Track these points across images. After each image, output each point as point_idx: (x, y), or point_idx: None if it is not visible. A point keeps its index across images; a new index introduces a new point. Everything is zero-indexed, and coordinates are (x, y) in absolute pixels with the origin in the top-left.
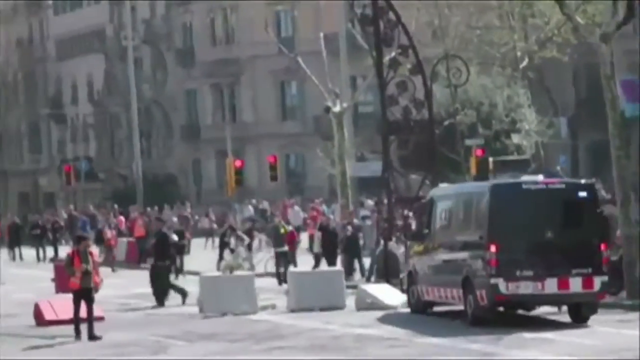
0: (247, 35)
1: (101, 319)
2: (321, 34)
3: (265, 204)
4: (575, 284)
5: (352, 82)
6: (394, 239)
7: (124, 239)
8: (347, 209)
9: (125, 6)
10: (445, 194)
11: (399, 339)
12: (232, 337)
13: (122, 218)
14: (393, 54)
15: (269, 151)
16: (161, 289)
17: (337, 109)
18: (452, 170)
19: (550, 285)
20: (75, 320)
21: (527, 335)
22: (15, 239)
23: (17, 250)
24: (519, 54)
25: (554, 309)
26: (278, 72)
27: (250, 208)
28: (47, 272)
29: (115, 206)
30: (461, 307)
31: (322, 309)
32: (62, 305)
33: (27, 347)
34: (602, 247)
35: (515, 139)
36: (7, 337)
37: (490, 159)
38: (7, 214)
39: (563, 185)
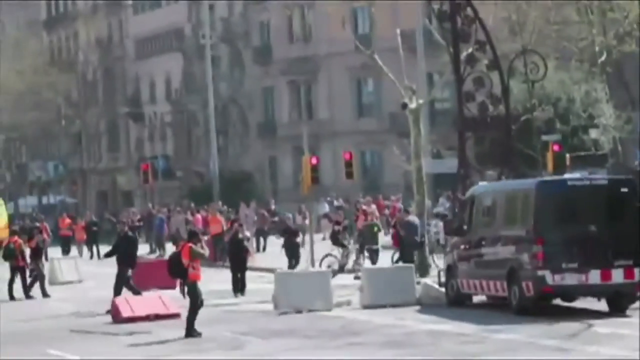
0: (324, 32)
1: (177, 315)
2: (398, 31)
3: (341, 202)
4: (617, 275)
5: (429, 79)
6: None
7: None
8: (423, 205)
9: (203, 5)
10: (487, 191)
11: (472, 334)
12: (307, 334)
13: (199, 216)
14: (470, 49)
15: (345, 148)
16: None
17: (413, 105)
18: (529, 166)
19: (594, 277)
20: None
21: (601, 330)
22: (92, 236)
23: (94, 247)
24: (597, 48)
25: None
26: (355, 69)
27: (326, 205)
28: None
29: (192, 204)
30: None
31: (394, 305)
32: (139, 302)
33: (104, 343)
34: None
35: (593, 134)
36: (85, 334)
37: (567, 155)
38: (86, 212)
39: (605, 182)
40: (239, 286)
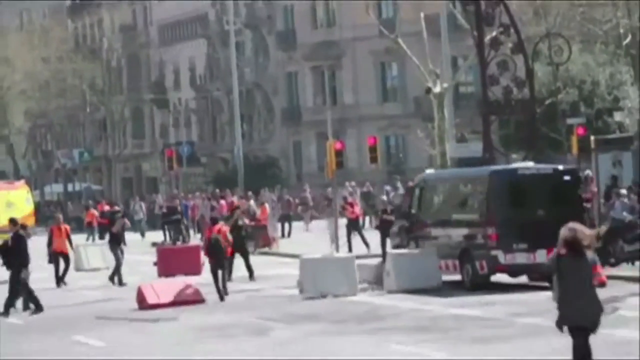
0: (348, 17)
1: (202, 301)
2: (422, 15)
3: (368, 186)
4: None
5: (453, 63)
6: None
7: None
8: None
9: None
10: (436, 178)
11: (500, 319)
12: (332, 319)
13: (223, 202)
14: (494, 33)
15: (369, 133)
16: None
17: (437, 89)
18: (553, 149)
19: (541, 256)
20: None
21: (629, 314)
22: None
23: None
24: (622, 30)
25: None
26: (378, 54)
27: (349, 189)
28: (150, 256)
29: (217, 190)
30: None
31: (418, 291)
32: (165, 289)
33: (130, 330)
34: (582, 221)
35: (618, 117)
36: (111, 320)
37: (592, 138)
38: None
39: (551, 171)
40: (231, 272)
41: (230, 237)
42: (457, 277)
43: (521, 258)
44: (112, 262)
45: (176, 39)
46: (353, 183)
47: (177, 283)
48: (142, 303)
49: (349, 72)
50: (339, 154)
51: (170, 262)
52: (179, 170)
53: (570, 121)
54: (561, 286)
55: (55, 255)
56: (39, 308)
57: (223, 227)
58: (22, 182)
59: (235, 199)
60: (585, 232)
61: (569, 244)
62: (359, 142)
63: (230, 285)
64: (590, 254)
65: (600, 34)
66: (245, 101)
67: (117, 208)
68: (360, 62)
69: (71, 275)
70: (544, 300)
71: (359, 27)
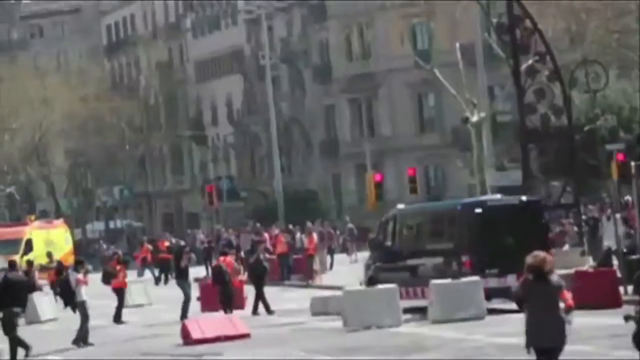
0: (383, 49)
1: (247, 336)
2: (457, 45)
3: None
4: None
5: (490, 92)
6: None
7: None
8: None
9: (262, 26)
10: (409, 212)
11: None
12: (377, 351)
13: (266, 235)
14: (530, 61)
15: (408, 164)
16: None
17: (475, 119)
18: (593, 176)
19: (511, 280)
20: None
21: None
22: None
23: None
24: None
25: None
26: (415, 85)
27: None
28: (193, 291)
29: (257, 224)
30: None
31: (463, 320)
32: (209, 324)
33: None
34: (548, 248)
35: None
36: (156, 356)
37: (632, 163)
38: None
39: (517, 202)
40: (257, 307)
41: (237, 267)
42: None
43: (493, 282)
44: (154, 299)
45: (213, 75)
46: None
47: (222, 318)
48: (187, 338)
49: (386, 104)
50: (378, 185)
51: (213, 297)
52: (219, 205)
53: (609, 147)
54: (528, 309)
55: (117, 291)
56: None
57: (229, 258)
58: (61, 221)
59: (277, 232)
60: (547, 259)
61: (533, 269)
62: (398, 173)
63: (273, 319)
64: (556, 279)
65: (637, 59)
66: (283, 135)
67: (182, 243)
68: (397, 93)
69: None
70: (588, 327)
71: (394, 59)
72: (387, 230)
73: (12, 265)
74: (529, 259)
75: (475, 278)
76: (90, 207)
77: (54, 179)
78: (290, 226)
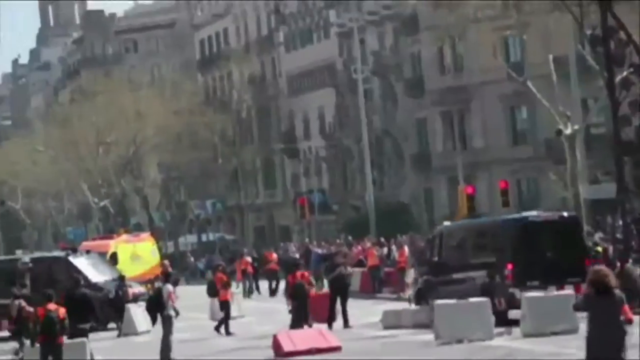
0: (475, 61)
1: (338, 349)
2: (550, 57)
3: None
4: (569, 289)
5: (583, 104)
6: (630, 260)
7: (357, 269)
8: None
9: (354, 39)
10: (453, 229)
11: None
12: None
13: (360, 248)
14: (625, 73)
15: (501, 176)
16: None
17: (568, 131)
18: None
19: (551, 291)
20: None
21: None
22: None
23: (254, 283)
24: None
25: None
26: (508, 97)
27: None
28: (284, 304)
29: (349, 237)
30: None
31: (555, 333)
32: (300, 337)
33: None
34: (586, 261)
35: None
36: None
37: None
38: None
39: (556, 217)
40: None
41: (313, 281)
42: None
43: (534, 294)
44: (245, 311)
45: (305, 89)
46: None
47: (313, 330)
48: (279, 351)
49: (478, 116)
50: (470, 198)
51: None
52: (311, 218)
53: None
54: (589, 323)
55: (223, 304)
56: None
57: (305, 272)
58: (148, 234)
59: (369, 246)
60: (609, 274)
61: (595, 284)
62: (490, 186)
63: (363, 332)
64: (618, 293)
65: None
66: (375, 148)
67: (297, 256)
68: (490, 105)
69: (205, 324)
70: None
71: (487, 71)
72: (434, 246)
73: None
74: (591, 275)
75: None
76: (183, 220)
77: (148, 192)
78: (382, 239)
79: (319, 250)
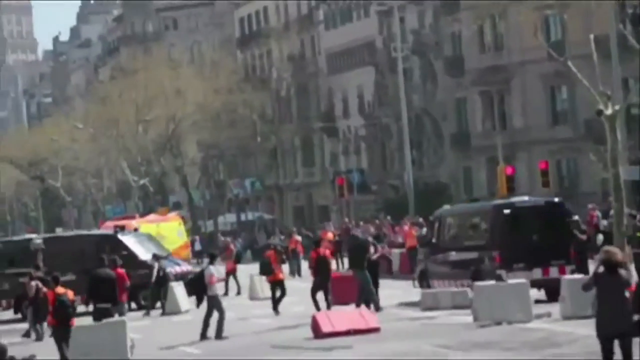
0: (516, 41)
1: (377, 330)
2: (591, 37)
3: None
4: (554, 272)
5: (624, 84)
6: None
7: (397, 250)
8: (622, 213)
9: (394, 18)
10: (450, 213)
11: None
12: (507, 346)
13: (404, 228)
14: None
15: (540, 157)
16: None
17: (609, 112)
18: None
19: (537, 273)
20: None
21: None
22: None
23: (295, 264)
24: None
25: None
26: (548, 77)
27: None
28: None
29: (388, 217)
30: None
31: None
32: (339, 318)
33: (305, 358)
34: (570, 245)
35: None
36: (286, 349)
37: None
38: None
39: (543, 203)
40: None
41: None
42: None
43: (520, 275)
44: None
45: (344, 67)
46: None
47: (352, 311)
48: (317, 331)
49: (518, 96)
50: (510, 178)
51: (344, 291)
52: (350, 198)
53: None
54: (598, 300)
55: (278, 283)
56: None
57: (325, 249)
58: (175, 214)
59: (407, 227)
60: (617, 252)
61: (604, 262)
62: (530, 167)
63: (402, 313)
64: (624, 273)
65: None
66: (414, 127)
67: (356, 233)
68: (530, 85)
69: (245, 304)
70: None
71: (527, 51)
72: (433, 228)
73: (102, 261)
74: (602, 254)
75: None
76: (222, 199)
77: (187, 171)
78: (421, 219)
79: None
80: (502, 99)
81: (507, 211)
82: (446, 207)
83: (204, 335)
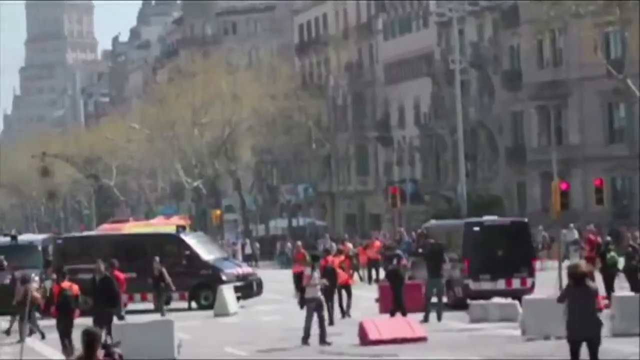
0: (575, 57)
1: (424, 339)
2: None
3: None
4: (516, 283)
5: None
6: None
7: None
8: None
9: (453, 29)
10: (434, 227)
11: None
12: None
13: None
14: None
15: (595, 174)
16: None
17: None
18: None
19: (500, 284)
20: None
21: None
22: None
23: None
24: None
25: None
26: (606, 94)
27: (575, 232)
28: (372, 292)
29: None
30: None
31: None
32: (386, 325)
33: None
34: (532, 260)
35: None
36: (332, 355)
37: None
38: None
39: (508, 222)
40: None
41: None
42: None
43: (485, 285)
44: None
45: (401, 78)
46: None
47: (399, 320)
48: (364, 339)
49: (575, 112)
50: (564, 194)
51: (414, 299)
52: (402, 207)
53: None
54: (568, 309)
55: (344, 288)
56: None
57: (335, 258)
58: (177, 218)
59: None
60: (582, 265)
61: (571, 276)
62: (585, 183)
63: (450, 324)
64: (592, 285)
65: None
66: (470, 140)
67: (392, 245)
68: (587, 102)
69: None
70: None
71: (586, 67)
72: (420, 240)
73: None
74: (568, 269)
75: None
76: (274, 204)
77: (240, 175)
78: None
79: (410, 239)
80: (559, 115)
81: (476, 228)
82: (432, 221)
83: (305, 340)
